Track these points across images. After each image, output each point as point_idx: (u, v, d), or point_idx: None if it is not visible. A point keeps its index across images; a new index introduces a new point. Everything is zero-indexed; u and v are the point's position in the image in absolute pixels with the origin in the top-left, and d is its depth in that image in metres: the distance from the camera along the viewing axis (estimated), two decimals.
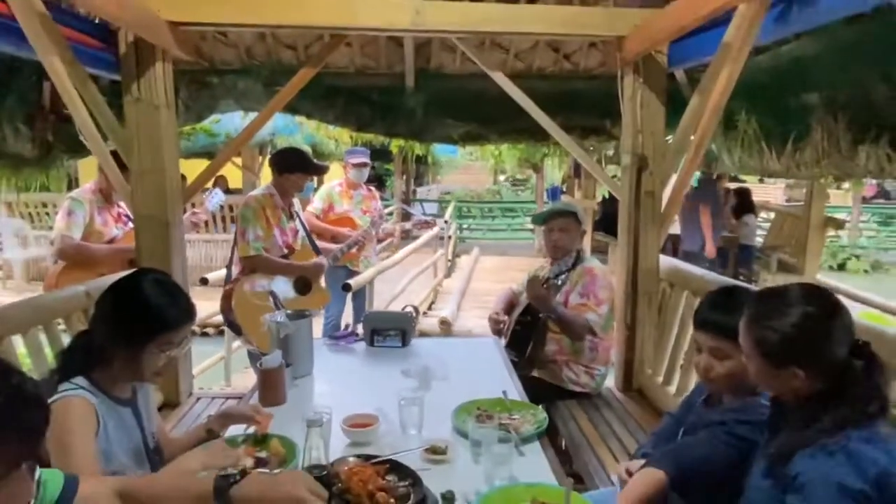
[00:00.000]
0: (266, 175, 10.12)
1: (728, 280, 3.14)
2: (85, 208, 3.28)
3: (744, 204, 7.91)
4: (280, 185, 3.49)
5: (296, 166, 3.49)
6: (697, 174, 6.35)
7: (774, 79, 2.99)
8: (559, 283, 2.96)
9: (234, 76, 3.69)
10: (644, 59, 3.10)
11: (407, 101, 3.98)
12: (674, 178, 3.22)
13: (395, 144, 8.02)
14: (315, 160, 3.63)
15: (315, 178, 4.02)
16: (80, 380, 1.47)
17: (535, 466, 1.65)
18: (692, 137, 2.87)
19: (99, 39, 2.85)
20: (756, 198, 8.86)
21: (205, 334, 6.11)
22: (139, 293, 1.52)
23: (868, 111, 2.52)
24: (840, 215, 10.77)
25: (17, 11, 2.08)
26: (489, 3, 3.23)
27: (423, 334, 4.12)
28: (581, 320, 2.82)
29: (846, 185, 12.01)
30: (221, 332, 4.74)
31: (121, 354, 1.50)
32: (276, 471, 1.44)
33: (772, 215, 10.20)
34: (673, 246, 6.91)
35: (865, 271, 12.37)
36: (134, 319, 1.50)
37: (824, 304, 1.29)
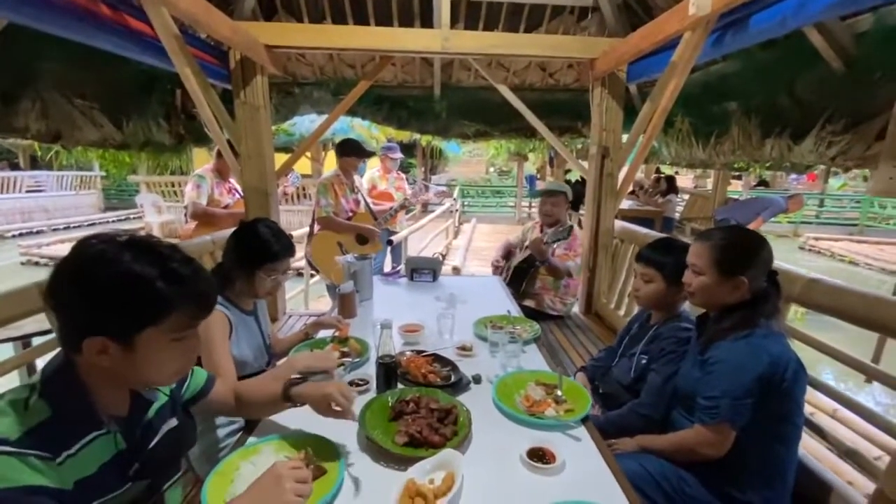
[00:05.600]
0: (328, 163, 10.03)
1: (661, 235, 3.09)
2: (207, 182, 3.24)
3: (670, 187, 7.74)
4: (342, 165, 3.41)
5: (353, 151, 3.40)
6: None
7: (704, 90, 2.89)
8: (553, 245, 2.84)
9: (311, 87, 3.60)
10: (609, 76, 2.99)
11: (434, 107, 3.88)
12: (627, 165, 3.14)
13: (424, 139, 7.83)
14: (365, 148, 3.55)
15: (366, 162, 4.00)
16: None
17: (534, 360, 1.66)
18: (642, 135, 2.78)
19: (215, 57, 2.76)
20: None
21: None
22: (254, 231, 1.51)
23: (774, 114, 2.44)
24: (735, 196, 10.58)
25: (159, 33, 2.02)
26: (497, 33, 3.11)
27: None
28: (564, 266, 2.81)
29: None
30: (300, 274, 4.76)
31: (241, 277, 1.50)
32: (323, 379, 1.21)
33: (686, 196, 10.07)
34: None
35: None
36: (249, 249, 1.49)
37: (762, 241, 1.28)
